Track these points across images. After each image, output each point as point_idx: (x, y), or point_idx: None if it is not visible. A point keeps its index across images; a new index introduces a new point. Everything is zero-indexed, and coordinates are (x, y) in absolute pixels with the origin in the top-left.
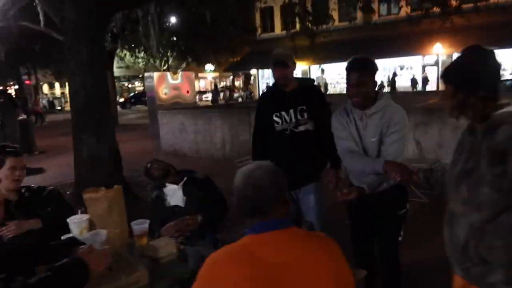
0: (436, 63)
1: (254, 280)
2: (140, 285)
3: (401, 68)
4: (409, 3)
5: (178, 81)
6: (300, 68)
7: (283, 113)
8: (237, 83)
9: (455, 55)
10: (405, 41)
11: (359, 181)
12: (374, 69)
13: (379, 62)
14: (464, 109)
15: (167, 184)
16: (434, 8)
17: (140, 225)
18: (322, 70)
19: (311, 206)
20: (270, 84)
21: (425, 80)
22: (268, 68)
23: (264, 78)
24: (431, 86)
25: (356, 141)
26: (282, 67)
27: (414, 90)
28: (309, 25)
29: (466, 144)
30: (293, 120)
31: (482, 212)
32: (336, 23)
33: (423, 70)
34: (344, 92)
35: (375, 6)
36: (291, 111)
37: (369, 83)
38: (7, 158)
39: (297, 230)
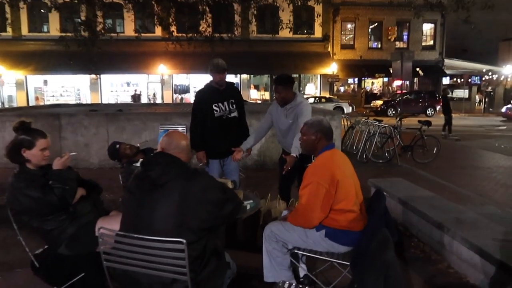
0: (160, 81)
1: (340, 164)
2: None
3: (128, 84)
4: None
5: None
6: (14, 77)
7: (220, 104)
8: None
9: (175, 76)
10: (133, 59)
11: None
12: (289, 82)
13: (105, 78)
14: None
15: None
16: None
17: None
18: (45, 81)
19: (233, 169)
20: None
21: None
22: None
23: None
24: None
25: (283, 121)
26: (223, 72)
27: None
28: None
29: None
30: (227, 109)
31: None
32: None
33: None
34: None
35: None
36: (225, 102)
37: (287, 92)
38: (38, 140)
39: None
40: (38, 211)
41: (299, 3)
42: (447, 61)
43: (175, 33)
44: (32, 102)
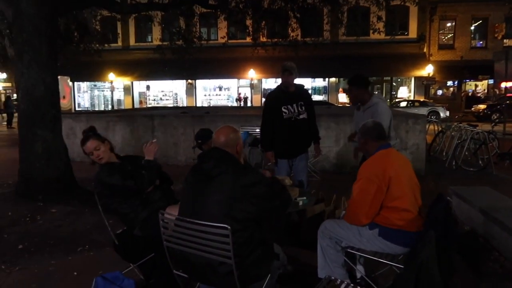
0: (250, 86)
1: (395, 162)
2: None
3: (220, 89)
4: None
5: None
6: (123, 83)
7: (289, 106)
8: None
9: (264, 80)
10: (224, 64)
11: None
12: (361, 82)
13: (199, 83)
14: None
15: None
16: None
17: None
18: (148, 87)
19: (302, 169)
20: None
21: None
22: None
23: (81, 91)
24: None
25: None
26: (288, 74)
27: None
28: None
29: None
30: (296, 111)
31: None
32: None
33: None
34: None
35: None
36: (294, 105)
37: (358, 91)
38: (84, 145)
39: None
40: (115, 196)
41: (384, 4)
42: None
43: (263, 39)
44: (136, 105)
